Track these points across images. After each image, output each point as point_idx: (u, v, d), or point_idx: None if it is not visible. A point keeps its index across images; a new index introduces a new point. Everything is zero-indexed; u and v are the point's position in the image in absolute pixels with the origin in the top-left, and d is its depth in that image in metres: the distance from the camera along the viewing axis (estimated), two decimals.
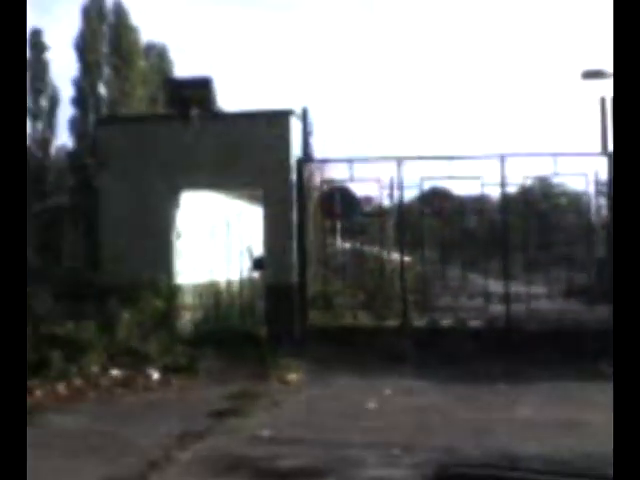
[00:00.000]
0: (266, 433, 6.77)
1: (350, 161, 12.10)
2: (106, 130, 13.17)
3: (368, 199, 14.15)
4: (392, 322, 12.09)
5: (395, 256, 13.64)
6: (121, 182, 12.01)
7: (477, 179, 11.73)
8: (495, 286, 12.74)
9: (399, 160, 12.03)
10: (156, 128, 12.51)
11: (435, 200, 13.97)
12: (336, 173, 12.70)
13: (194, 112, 11.77)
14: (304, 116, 12.18)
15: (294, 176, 11.94)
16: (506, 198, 12.35)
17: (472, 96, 54.77)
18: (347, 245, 14.64)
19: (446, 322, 11.98)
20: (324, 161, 12.88)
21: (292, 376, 9.25)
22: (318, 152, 12.73)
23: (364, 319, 12.34)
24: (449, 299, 12.55)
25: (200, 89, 12.11)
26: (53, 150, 28.03)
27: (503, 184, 11.92)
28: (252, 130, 11.90)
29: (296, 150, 12.02)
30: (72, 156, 26.55)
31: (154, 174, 11.91)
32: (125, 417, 7.50)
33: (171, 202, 12.02)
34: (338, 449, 6.31)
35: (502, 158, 11.77)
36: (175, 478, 5.62)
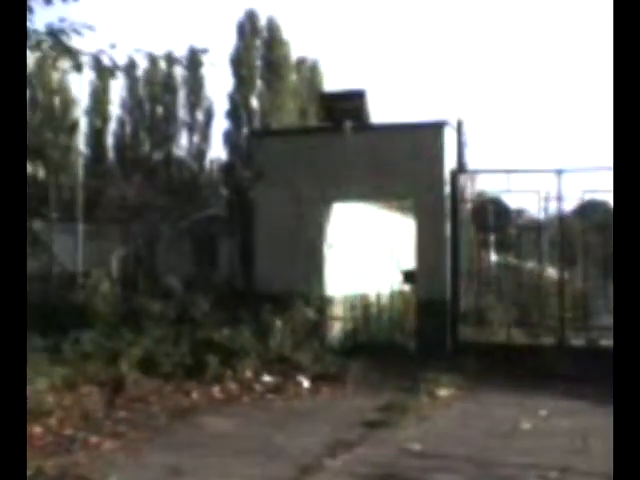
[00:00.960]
0: (416, 447, 6.67)
1: (507, 172, 11.78)
2: (261, 142, 13.58)
3: (520, 212, 13.75)
4: (547, 340, 11.64)
5: (550, 271, 13.13)
6: (275, 193, 12.32)
7: None
8: None
9: (558, 172, 11.62)
10: (310, 140, 12.75)
11: (596, 214, 13.35)
12: (489, 185, 12.43)
13: (347, 124, 11.91)
14: (458, 127, 12.02)
15: (448, 188, 11.79)
16: None
17: None
18: (500, 259, 14.28)
19: (606, 342, 11.38)
20: (479, 172, 12.63)
21: (442, 391, 9.07)
22: (472, 163, 12.52)
23: (517, 336, 11.95)
24: (609, 318, 11.90)
25: (354, 101, 12.25)
26: (207, 162, 29.25)
27: None
28: (405, 142, 11.89)
29: (450, 161, 11.87)
30: (225, 168, 27.63)
31: (307, 185, 12.13)
32: (276, 423, 7.61)
33: (323, 213, 12.20)
34: (491, 467, 6.12)
35: None
36: None
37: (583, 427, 7.45)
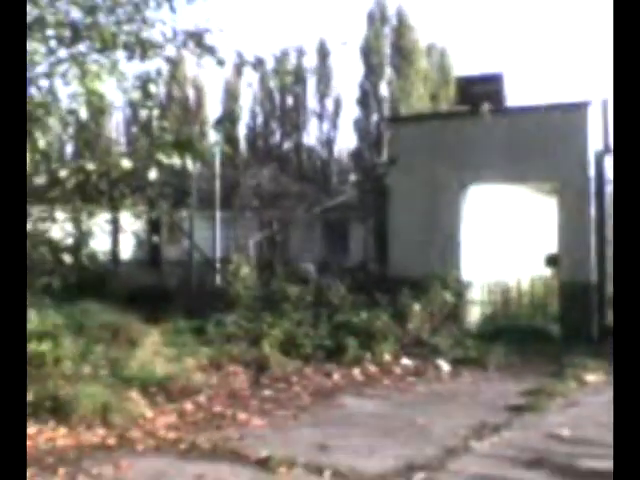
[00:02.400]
0: (565, 432, 6.45)
1: None
2: (396, 128, 13.53)
3: None
4: None
5: None
6: (409, 178, 12.25)
7: None
8: None
9: None
10: (444, 125, 12.59)
11: None
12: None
13: (485, 107, 11.66)
14: (603, 107, 11.48)
15: (592, 169, 11.31)
16: None
17: None
18: None
19: None
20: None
21: (590, 376, 8.73)
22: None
23: None
24: None
25: (491, 84, 12.00)
26: (336, 150, 29.49)
27: None
28: (546, 123, 11.51)
29: (594, 142, 11.37)
30: (355, 155, 27.75)
31: (442, 169, 11.99)
32: (418, 405, 7.57)
33: (459, 197, 12.02)
34: None
35: None
36: (473, 467, 5.53)
37: None
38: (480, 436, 6.32)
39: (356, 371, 8.84)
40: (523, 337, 10.35)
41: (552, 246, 11.92)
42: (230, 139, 28.86)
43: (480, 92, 12.09)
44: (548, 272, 12.70)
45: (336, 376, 8.62)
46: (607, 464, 5.58)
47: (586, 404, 7.67)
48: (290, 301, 10.45)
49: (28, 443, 5.68)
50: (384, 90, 28.13)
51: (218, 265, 13.54)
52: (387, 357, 9.34)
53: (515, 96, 12.13)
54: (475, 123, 11.88)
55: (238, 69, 7.90)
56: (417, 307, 10.19)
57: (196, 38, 7.16)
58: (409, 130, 12.94)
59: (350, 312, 10.08)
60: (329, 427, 6.64)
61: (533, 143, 11.52)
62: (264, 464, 5.46)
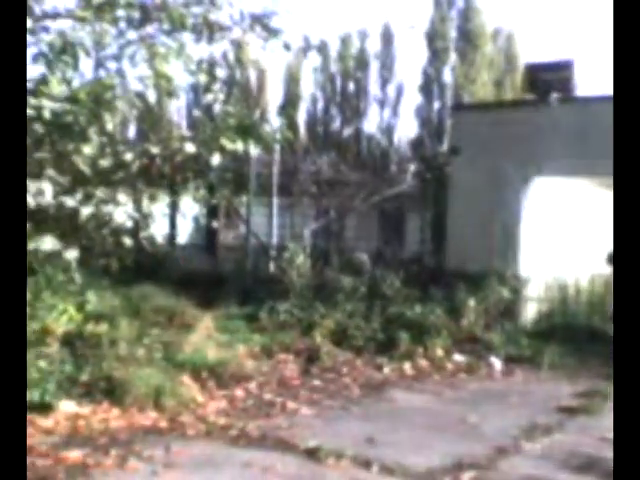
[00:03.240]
0: None
1: None
2: (459, 116, 13.33)
3: None
4: None
5: None
6: (471, 169, 12.04)
7: None
8: None
9: None
10: (510, 114, 12.34)
11: None
12: None
13: (554, 96, 11.38)
14: None
15: None
16: None
17: None
18: None
19: None
20: None
21: None
22: None
23: None
24: None
25: (560, 72, 11.70)
26: (396, 137, 29.26)
27: None
28: None
29: None
30: (415, 143, 27.48)
31: (506, 161, 11.73)
32: (469, 402, 7.50)
33: (522, 190, 11.77)
34: None
35: None
36: (523, 468, 5.47)
37: None
38: (531, 437, 6.24)
39: (407, 365, 8.80)
40: (579, 336, 10.14)
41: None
42: (291, 125, 28.96)
43: (549, 80, 11.79)
44: (609, 270, 12.39)
45: (386, 369, 8.60)
46: None
47: None
48: (343, 291, 10.44)
49: (82, 423, 5.83)
50: (447, 77, 27.76)
51: (273, 252, 13.61)
52: (439, 352, 9.26)
53: (587, 85, 11.80)
54: (542, 113, 11.60)
55: (303, 52, 7.91)
56: (472, 302, 10.07)
57: (263, 21, 7.17)
58: (473, 119, 12.69)
59: (403, 305, 10.02)
60: (377, 420, 6.64)
61: (603, 135, 11.16)
62: (312, 454, 5.49)
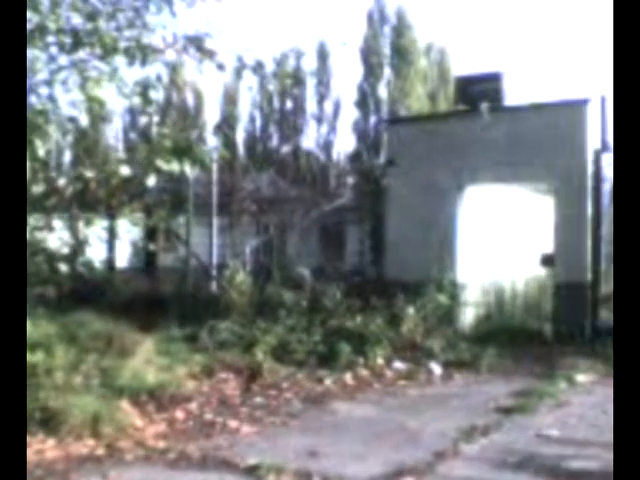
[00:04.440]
0: (554, 433, 6.49)
1: None
2: (394, 129, 13.57)
3: None
4: None
5: None
6: (407, 180, 12.28)
7: None
8: None
9: None
10: (443, 125, 12.63)
11: None
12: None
13: (484, 105, 11.67)
14: (602, 104, 11.49)
15: (590, 168, 11.31)
16: None
17: None
18: None
19: None
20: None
21: (581, 377, 8.76)
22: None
23: None
24: None
25: (490, 83, 12.02)
26: (335, 153, 29.53)
27: None
28: (544, 122, 11.54)
29: (593, 141, 11.38)
30: (353, 157, 27.78)
31: (440, 171, 12.02)
32: (409, 409, 7.60)
33: (456, 198, 12.04)
34: None
35: None
36: (462, 470, 5.57)
37: None
38: (469, 439, 6.35)
39: (348, 376, 8.86)
40: (516, 338, 10.39)
41: (548, 246, 11.94)
42: (229, 144, 28.95)
43: (479, 91, 12.11)
44: (543, 272, 12.72)
45: (328, 381, 8.64)
46: (595, 464, 5.65)
47: (576, 404, 7.70)
48: (284, 307, 10.48)
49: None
50: (383, 91, 28.16)
51: (214, 271, 13.59)
52: (380, 361, 9.36)
53: (515, 95, 12.10)
54: (473, 123, 11.91)
55: (238, 73, 7.99)
56: (411, 311, 10.22)
57: (196, 42, 7.21)
58: (407, 131, 12.97)
59: (344, 317, 10.11)
60: (319, 433, 6.68)
61: (531, 142, 11.52)
62: (253, 472, 5.49)
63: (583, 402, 7.82)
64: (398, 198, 12.44)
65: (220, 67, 7.44)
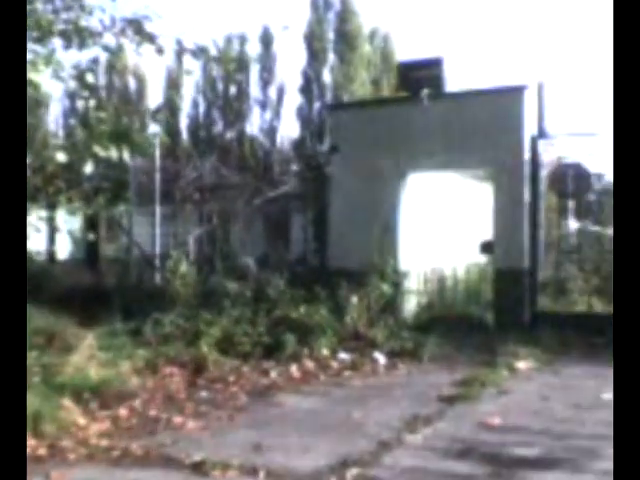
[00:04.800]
0: (496, 420, 6.64)
1: (589, 135, 11.41)
2: (335, 115, 13.55)
3: (600, 176, 13.34)
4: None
5: None
6: (350, 167, 12.30)
7: None
8: None
9: None
10: (385, 111, 12.65)
11: None
12: (569, 149, 12.07)
13: (425, 92, 11.73)
14: (539, 91, 11.68)
15: (527, 154, 11.51)
16: None
17: None
18: (580, 226, 13.93)
19: None
20: (560, 137, 12.25)
21: (521, 364, 8.97)
22: (552, 128, 12.13)
23: (598, 306, 11.67)
24: None
25: (431, 69, 12.09)
26: (279, 138, 29.41)
27: None
28: (484, 108, 11.66)
29: (530, 126, 11.57)
30: (297, 143, 27.72)
31: (383, 157, 12.06)
32: (355, 399, 7.67)
33: (398, 186, 12.11)
34: (572, 440, 6.07)
35: None
36: (407, 460, 5.65)
37: None
38: (413, 428, 6.45)
39: (293, 368, 8.88)
40: (458, 326, 10.55)
41: (488, 233, 12.14)
42: (171, 130, 28.56)
43: (420, 77, 12.16)
44: (483, 259, 12.93)
45: (273, 374, 8.66)
46: (535, 451, 5.80)
47: (517, 392, 7.89)
48: (229, 298, 10.44)
49: None
50: (327, 77, 28.11)
51: (157, 262, 13.44)
52: (325, 352, 9.41)
53: (457, 81, 12.20)
54: (414, 109, 11.96)
55: (178, 57, 7.86)
56: (354, 300, 10.29)
57: (135, 25, 7.08)
58: (349, 117, 12.95)
59: (289, 307, 10.12)
60: (265, 427, 6.69)
61: (471, 129, 11.65)
62: (198, 468, 5.48)
63: (524, 389, 8.01)
64: (341, 185, 12.46)
65: (160, 51, 7.34)
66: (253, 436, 6.30)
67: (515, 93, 11.58)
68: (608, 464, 5.38)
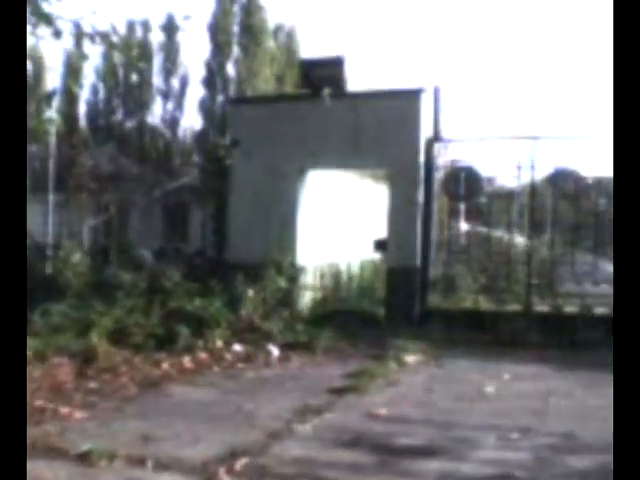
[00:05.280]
0: (383, 411, 6.84)
1: (481, 140, 11.87)
2: (238, 109, 13.54)
3: (491, 180, 13.88)
4: (513, 307, 11.88)
5: (518, 239, 13.34)
6: (251, 162, 12.34)
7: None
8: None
9: (533, 138, 11.69)
10: (287, 107, 12.74)
11: (565, 182, 13.57)
12: (463, 152, 12.52)
13: (326, 91, 11.88)
14: (435, 95, 12.04)
15: (422, 156, 11.85)
16: None
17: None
18: (470, 227, 14.46)
19: (570, 308, 11.63)
20: (454, 140, 12.67)
21: (410, 357, 9.26)
22: (448, 131, 12.54)
23: (485, 303, 12.17)
24: (573, 285, 12.15)
25: (332, 68, 12.24)
26: (181, 130, 29.08)
27: None
28: (382, 109, 11.92)
29: (426, 129, 11.92)
30: (199, 136, 27.50)
31: (283, 153, 12.16)
32: (247, 391, 7.73)
33: (297, 182, 12.24)
34: (455, 430, 6.31)
35: None
36: (296, 450, 5.75)
37: (545, 390, 7.68)
38: (303, 419, 6.56)
39: (186, 359, 8.86)
40: (351, 321, 10.78)
41: (382, 231, 12.43)
42: (68, 116, 27.75)
43: (321, 75, 12.31)
44: (377, 256, 13.24)
45: (165, 365, 8.61)
46: (419, 441, 6.01)
47: (404, 384, 8.14)
48: (123, 288, 10.30)
49: None
50: (231, 70, 27.96)
51: (49, 251, 13.09)
52: (219, 344, 9.43)
53: (358, 81, 12.42)
54: (315, 107, 12.08)
55: (78, 41, 7.67)
56: (250, 293, 10.35)
57: (32, 6, 6.87)
58: (251, 112, 12.98)
59: (184, 299, 10.08)
60: (155, 417, 6.66)
61: (369, 129, 11.90)
62: (84, 458, 5.41)
63: (411, 382, 8.28)
64: (241, 179, 12.49)
65: (57, 34, 7.15)
66: (142, 426, 6.26)
67: (413, 96, 11.90)
68: (487, 453, 5.69)
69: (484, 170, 12.70)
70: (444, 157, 12.80)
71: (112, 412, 6.78)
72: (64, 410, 6.67)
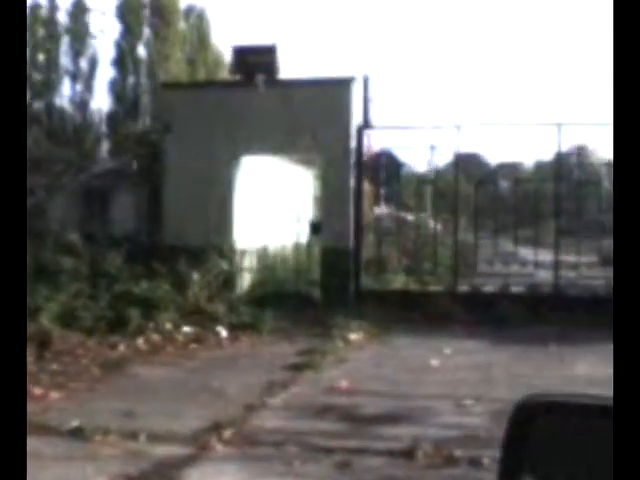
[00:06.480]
0: (344, 384, 7.32)
1: (405, 128, 12.45)
2: (170, 95, 13.60)
3: (409, 165, 14.51)
4: (436, 287, 12.58)
5: (430, 222, 14.06)
6: (185, 147, 12.46)
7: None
8: (526, 253, 13.29)
9: (457, 127, 12.37)
10: (221, 94, 12.89)
11: (468, 166, 14.42)
12: (389, 140, 13.10)
13: (260, 78, 12.11)
14: (365, 83, 12.52)
15: (353, 143, 12.32)
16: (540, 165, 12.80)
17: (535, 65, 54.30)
18: (389, 211, 15.02)
19: (489, 287, 12.46)
20: (382, 128, 13.17)
21: (353, 335, 9.78)
22: (378, 119, 13.04)
23: (411, 284, 12.82)
24: (485, 266, 12.98)
25: (266, 56, 12.48)
26: (91, 113, 28.41)
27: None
28: (314, 97, 12.28)
29: (356, 117, 12.38)
30: (111, 118, 27.01)
31: (217, 140, 12.34)
32: (207, 369, 8.06)
33: (232, 168, 12.48)
34: (412, 400, 6.87)
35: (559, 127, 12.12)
36: (273, 421, 6.16)
37: (484, 363, 8.37)
38: (272, 393, 6.97)
39: (140, 341, 9.09)
40: (289, 302, 11.14)
41: (316, 215, 12.85)
42: None
43: (254, 63, 12.52)
44: (311, 239, 13.66)
45: (121, 347, 8.81)
46: (384, 409, 6.52)
47: (354, 360, 8.67)
48: (65, 273, 10.33)
49: None
50: (142, 52, 27.50)
51: None
52: (169, 326, 9.67)
53: (290, 69, 12.72)
54: (249, 94, 12.32)
55: None
56: (196, 276, 10.60)
57: None
58: (184, 97, 13.06)
59: (129, 282, 10.22)
60: (127, 396, 6.90)
61: (302, 116, 12.23)
62: (77, 434, 5.62)
63: (360, 358, 8.82)
64: (175, 164, 12.58)
65: None
66: (119, 404, 6.50)
67: (344, 84, 12.35)
68: (448, 418, 6.28)
69: (405, 156, 13.35)
70: (374, 144, 13.30)
71: (85, 392, 6.98)
72: (37, 391, 6.80)
